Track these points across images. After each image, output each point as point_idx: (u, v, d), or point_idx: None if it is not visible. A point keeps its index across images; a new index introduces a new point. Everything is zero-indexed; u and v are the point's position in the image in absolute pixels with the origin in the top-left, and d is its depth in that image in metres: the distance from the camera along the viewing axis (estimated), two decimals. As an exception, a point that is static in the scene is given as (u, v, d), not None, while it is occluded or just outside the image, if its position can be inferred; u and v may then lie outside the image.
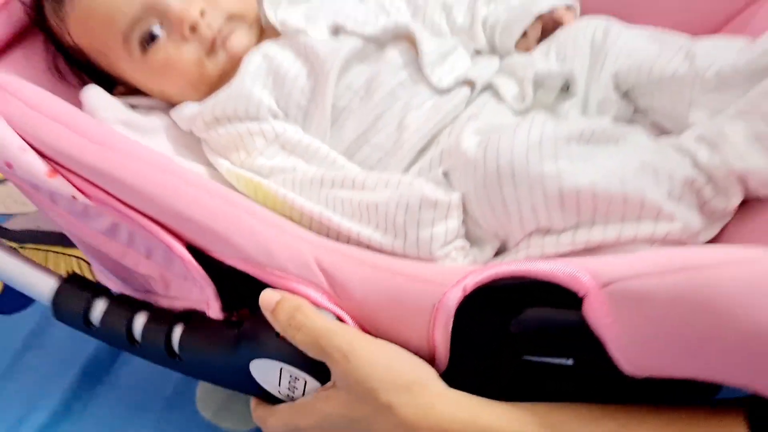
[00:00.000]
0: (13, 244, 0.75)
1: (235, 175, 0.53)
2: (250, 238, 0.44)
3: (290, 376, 0.44)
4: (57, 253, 0.73)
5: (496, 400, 0.41)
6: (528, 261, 0.41)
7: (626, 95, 0.52)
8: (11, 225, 0.76)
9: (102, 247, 0.53)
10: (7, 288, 0.71)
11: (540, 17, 0.58)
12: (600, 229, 0.42)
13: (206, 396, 0.61)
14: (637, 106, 0.53)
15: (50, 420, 0.60)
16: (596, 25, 0.55)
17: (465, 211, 0.47)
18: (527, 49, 0.59)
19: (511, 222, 0.45)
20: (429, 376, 0.41)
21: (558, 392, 0.47)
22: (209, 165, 0.56)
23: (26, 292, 0.52)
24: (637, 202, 0.41)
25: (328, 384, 0.43)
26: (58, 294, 0.50)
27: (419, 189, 0.46)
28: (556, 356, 0.41)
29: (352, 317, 0.44)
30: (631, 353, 0.35)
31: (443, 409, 0.39)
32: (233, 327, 0.46)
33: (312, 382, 0.44)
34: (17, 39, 0.62)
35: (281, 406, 0.46)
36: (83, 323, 0.49)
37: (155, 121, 0.58)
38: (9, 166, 0.46)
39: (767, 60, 0.44)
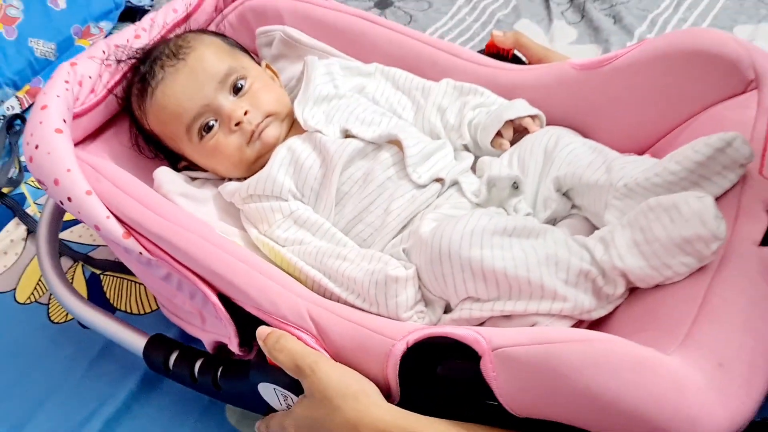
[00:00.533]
0: (97, 271, 0.94)
1: (260, 241, 0.69)
2: (261, 292, 0.60)
3: (282, 394, 0.60)
4: (130, 281, 0.92)
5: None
6: (451, 326, 0.56)
7: (566, 194, 0.66)
8: (96, 254, 0.95)
9: (160, 289, 0.70)
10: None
11: (510, 122, 0.72)
12: (512, 303, 0.56)
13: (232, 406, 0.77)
14: (574, 203, 0.66)
15: (114, 415, 0.77)
16: (551, 134, 0.69)
17: (419, 279, 0.62)
18: (501, 147, 0.72)
19: (449, 290, 0.59)
20: (372, 390, 0.55)
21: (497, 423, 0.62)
22: (243, 230, 0.73)
23: (125, 347, 0.76)
24: (537, 286, 0.54)
25: (302, 395, 0.58)
26: (147, 349, 0.73)
27: (385, 268, 0.61)
28: (473, 395, 0.54)
29: (332, 356, 0.59)
30: (510, 399, 0.48)
31: (380, 414, 0.53)
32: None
33: (295, 398, 0.59)
34: (111, 122, 0.82)
35: (276, 413, 0.61)
36: (163, 368, 0.71)
37: (206, 192, 0.75)
38: (97, 228, 0.64)
39: (657, 180, 0.57)
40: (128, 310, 0.89)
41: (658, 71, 0.66)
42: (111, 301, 0.91)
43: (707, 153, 0.55)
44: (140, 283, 0.92)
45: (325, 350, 0.59)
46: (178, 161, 0.79)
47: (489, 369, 0.48)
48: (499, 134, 0.72)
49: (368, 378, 0.57)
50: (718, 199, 0.55)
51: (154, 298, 0.89)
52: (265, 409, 0.64)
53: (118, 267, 0.94)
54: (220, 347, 0.70)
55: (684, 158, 0.56)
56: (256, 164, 0.74)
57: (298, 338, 0.59)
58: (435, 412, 0.61)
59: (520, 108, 0.72)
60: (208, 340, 0.70)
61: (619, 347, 0.46)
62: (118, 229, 0.64)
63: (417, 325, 0.58)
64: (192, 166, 0.78)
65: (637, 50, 0.69)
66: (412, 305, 0.61)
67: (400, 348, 0.54)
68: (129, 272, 0.92)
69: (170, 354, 0.71)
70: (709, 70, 0.63)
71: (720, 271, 0.52)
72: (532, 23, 1.21)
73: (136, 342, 0.74)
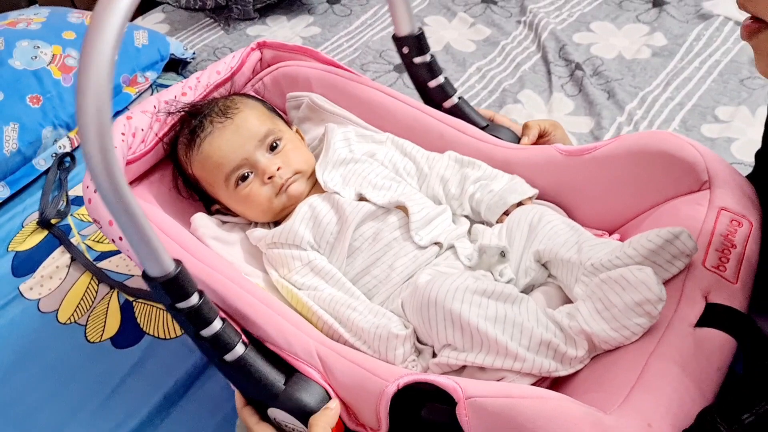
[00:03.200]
0: (130, 298, 1.05)
1: (280, 284, 0.81)
2: (278, 331, 0.71)
3: (292, 424, 0.71)
4: (158, 308, 1.03)
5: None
6: (435, 374, 0.66)
7: (544, 265, 0.77)
8: (130, 283, 1.07)
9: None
10: (121, 329, 1.01)
11: None
12: (482, 356, 0.66)
13: (241, 424, 0.88)
14: (552, 273, 0.77)
15: (136, 428, 0.87)
16: (536, 211, 0.80)
17: (414, 333, 0.73)
18: (501, 221, 0.84)
19: (433, 335, 0.69)
20: None
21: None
22: (265, 272, 0.84)
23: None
24: (502, 346, 0.65)
25: None
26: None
27: (389, 325, 0.72)
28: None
29: (335, 391, 0.70)
30: (480, 441, 0.59)
31: None
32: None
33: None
34: (155, 168, 0.94)
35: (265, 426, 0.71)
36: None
37: (234, 236, 0.87)
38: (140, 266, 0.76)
39: (617, 262, 0.68)
40: (156, 334, 1.00)
41: (628, 165, 0.78)
42: (141, 325, 1.02)
43: (658, 243, 0.66)
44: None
45: (329, 384, 0.70)
46: (211, 204, 0.91)
47: (463, 414, 0.59)
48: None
49: (364, 411, 0.68)
50: (665, 284, 0.66)
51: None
52: (255, 398, 0.72)
53: (149, 295, 1.05)
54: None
55: (639, 246, 0.67)
56: (281, 213, 0.85)
57: (307, 374, 0.70)
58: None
59: (521, 191, 0.83)
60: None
61: (567, 405, 0.56)
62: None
63: (408, 371, 0.68)
64: (224, 210, 0.90)
65: (613, 144, 0.80)
66: (407, 357, 0.72)
67: (392, 389, 0.65)
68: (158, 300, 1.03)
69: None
70: (670, 169, 0.75)
71: (659, 346, 0.62)
72: (534, 93, 1.33)
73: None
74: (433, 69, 0.93)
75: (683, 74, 1.32)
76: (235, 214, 0.90)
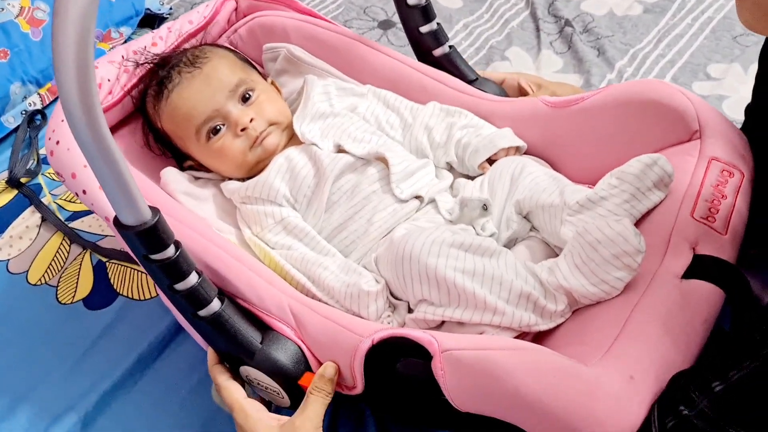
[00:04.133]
0: (103, 258, 1.02)
1: (252, 242, 0.77)
2: (250, 286, 0.68)
3: (266, 387, 0.68)
4: (133, 269, 1.00)
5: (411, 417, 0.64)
6: (410, 329, 0.64)
7: (526, 217, 0.74)
8: (103, 244, 1.03)
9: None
10: (94, 290, 0.98)
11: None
12: (460, 311, 0.64)
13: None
14: (534, 225, 0.74)
15: (109, 390, 0.85)
16: (518, 163, 0.77)
17: (388, 289, 0.70)
18: (484, 169, 0.80)
19: (408, 291, 0.67)
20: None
21: (441, 418, 0.70)
22: (238, 228, 0.81)
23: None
24: (481, 299, 0.62)
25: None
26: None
27: (359, 282, 0.69)
28: (426, 390, 0.62)
29: (308, 348, 0.67)
30: (455, 396, 0.56)
31: None
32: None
33: (280, 396, 0.68)
34: (126, 122, 0.90)
35: (238, 391, 0.68)
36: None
37: (207, 192, 0.83)
38: (107, 220, 0.72)
39: (603, 194, 0.66)
40: (129, 295, 0.97)
41: (617, 115, 0.75)
42: (114, 286, 0.99)
43: (638, 167, 0.65)
44: (142, 272, 1.00)
45: (302, 341, 0.67)
46: (183, 160, 0.87)
47: (438, 368, 0.56)
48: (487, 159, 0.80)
49: (339, 367, 0.65)
50: (650, 236, 0.63)
51: (154, 285, 0.97)
52: (229, 356, 0.69)
53: (122, 256, 1.02)
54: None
55: (621, 173, 0.66)
56: (255, 168, 0.82)
57: (280, 331, 0.67)
58: (394, 404, 0.70)
59: (511, 138, 0.80)
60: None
61: (545, 356, 0.54)
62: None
63: (383, 326, 0.66)
64: (196, 167, 0.86)
65: (601, 95, 0.77)
66: (381, 314, 0.69)
67: (366, 344, 0.62)
68: (132, 261, 1.00)
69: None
70: (660, 118, 0.72)
71: (644, 298, 0.60)
72: (522, 51, 1.29)
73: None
74: (427, 13, 0.88)
75: (675, 31, 1.28)
76: (208, 170, 0.86)
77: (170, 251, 0.58)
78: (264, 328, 0.68)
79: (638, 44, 1.26)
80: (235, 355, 0.67)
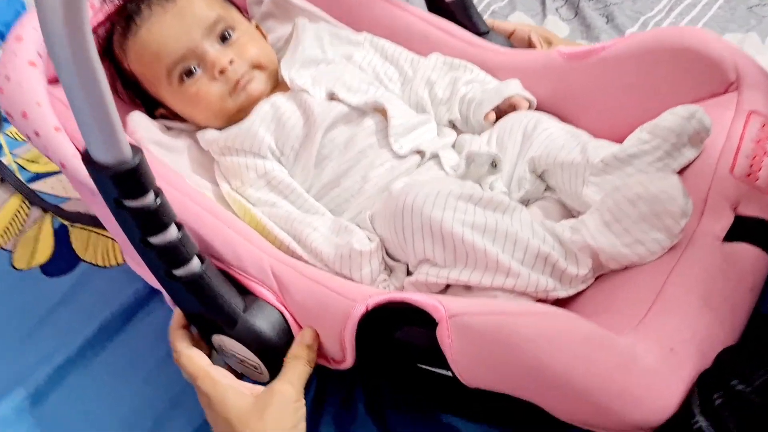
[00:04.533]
0: (66, 222, 0.93)
1: (231, 197, 0.69)
2: (226, 244, 0.60)
3: (242, 359, 0.60)
4: (98, 234, 0.91)
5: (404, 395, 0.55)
6: (411, 292, 0.56)
7: (541, 176, 0.66)
8: (67, 206, 0.94)
9: (113, 226, 0.69)
10: (54, 256, 0.89)
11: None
12: (467, 272, 0.55)
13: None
14: (549, 184, 0.66)
15: (65, 363, 0.76)
16: (531, 117, 0.69)
17: (384, 249, 0.61)
18: (490, 120, 0.72)
19: (408, 249, 0.58)
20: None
21: (447, 397, 0.62)
22: (215, 184, 0.72)
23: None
24: (492, 259, 0.54)
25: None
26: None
27: (350, 242, 0.60)
28: (427, 363, 0.54)
29: (291, 314, 0.59)
30: (463, 368, 0.48)
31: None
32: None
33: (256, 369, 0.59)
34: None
35: (201, 358, 0.59)
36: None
37: (181, 142, 0.74)
38: (63, 166, 0.63)
39: (632, 151, 0.58)
40: (93, 262, 0.88)
41: (643, 65, 0.67)
42: (77, 251, 0.89)
43: (674, 121, 0.57)
44: (109, 237, 0.91)
45: (286, 307, 0.59)
46: (155, 108, 0.78)
47: (445, 336, 0.48)
48: (492, 110, 0.72)
49: (326, 338, 0.57)
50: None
51: (121, 252, 0.88)
52: (195, 315, 0.61)
53: (88, 219, 0.92)
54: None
55: (654, 127, 0.58)
56: (236, 117, 0.72)
57: (260, 295, 0.59)
58: (390, 381, 0.61)
59: (518, 87, 0.72)
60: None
61: (572, 323, 0.46)
62: (84, 169, 0.63)
63: (378, 290, 0.57)
64: (169, 116, 0.77)
65: (624, 44, 0.69)
66: (375, 277, 0.61)
67: (360, 310, 0.54)
68: (98, 225, 0.91)
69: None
70: (692, 68, 0.64)
71: (681, 262, 0.52)
72: (526, 16, 1.21)
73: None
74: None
75: None
76: (182, 120, 0.77)
77: (149, 199, 0.48)
78: (244, 293, 0.59)
79: (649, 12, 1.18)
80: (212, 322, 0.59)
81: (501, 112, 0.73)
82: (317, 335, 0.58)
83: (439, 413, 0.69)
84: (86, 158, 0.45)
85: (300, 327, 0.59)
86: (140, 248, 0.53)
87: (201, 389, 0.57)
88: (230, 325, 0.58)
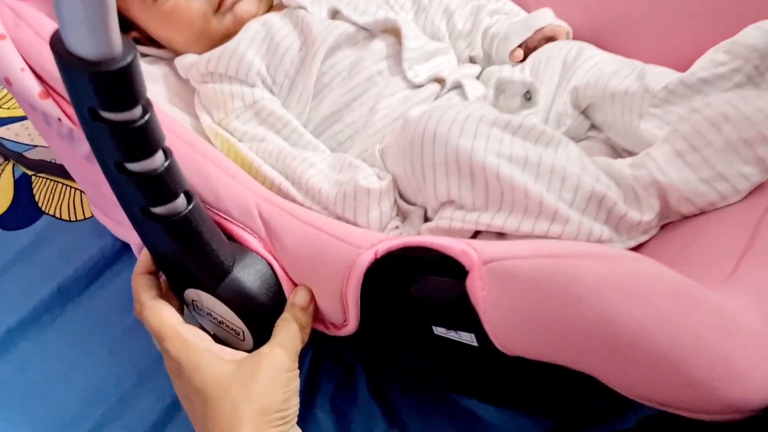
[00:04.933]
0: (29, 171, 0.82)
1: (213, 131, 0.58)
2: (204, 179, 0.48)
3: (219, 320, 0.49)
4: (64, 184, 0.80)
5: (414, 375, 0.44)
6: (431, 235, 0.44)
7: (584, 112, 0.55)
8: (30, 155, 0.83)
9: (85, 173, 0.58)
10: (13, 207, 0.78)
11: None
12: (502, 216, 0.44)
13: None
14: (594, 122, 0.55)
15: (16, 326, 0.65)
16: (572, 46, 0.58)
17: (396, 189, 0.50)
18: (515, 58, 0.61)
19: (427, 188, 0.47)
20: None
21: (467, 374, 0.51)
22: (195, 117, 0.61)
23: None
24: (535, 200, 0.43)
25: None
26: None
27: (355, 178, 0.49)
28: (449, 326, 0.43)
29: (281, 266, 0.48)
30: (500, 329, 0.37)
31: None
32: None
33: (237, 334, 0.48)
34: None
35: (170, 314, 0.47)
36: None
37: (156, 70, 0.63)
38: (8, 82, 0.52)
39: (704, 75, 0.46)
40: (57, 215, 0.77)
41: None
42: (39, 204, 0.78)
43: (760, 37, 0.45)
44: (77, 188, 0.80)
45: (274, 256, 0.48)
46: (127, 32, 0.66)
47: (478, 287, 0.37)
48: (520, 46, 0.61)
49: (324, 296, 0.46)
50: None
51: (90, 208, 0.77)
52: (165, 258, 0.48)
53: (53, 168, 0.81)
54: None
55: (732, 45, 0.46)
56: (221, 41, 0.61)
57: (243, 241, 0.48)
58: (399, 352, 0.50)
59: (550, 17, 0.61)
60: (136, 242, 0.58)
61: (653, 269, 0.35)
62: (34, 86, 0.52)
63: (388, 235, 0.46)
64: (143, 41, 0.66)
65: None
66: (386, 223, 0.50)
67: (367, 258, 0.43)
68: (65, 175, 0.80)
69: None
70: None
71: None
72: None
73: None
74: None
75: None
76: (158, 46, 0.65)
77: (136, 112, 0.36)
78: (230, 239, 0.48)
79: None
80: (189, 273, 0.48)
81: (529, 50, 0.62)
82: (312, 295, 0.47)
83: (455, 396, 0.58)
84: (58, 46, 0.33)
85: (293, 283, 0.48)
86: (115, 176, 0.41)
87: (169, 352, 0.46)
88: (215, 280, 0.46)
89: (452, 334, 0.46)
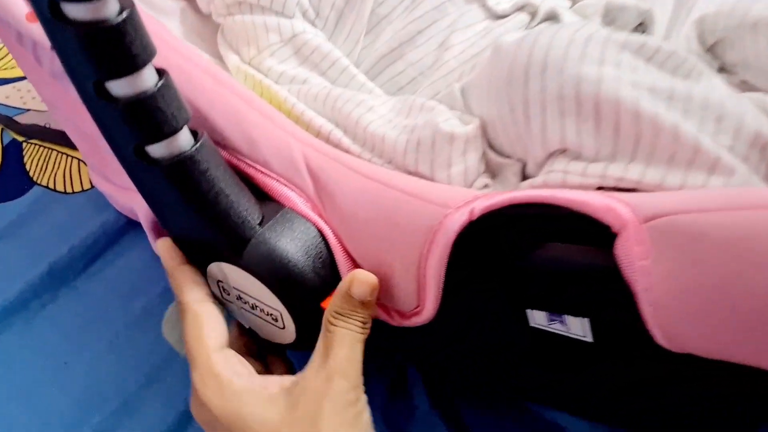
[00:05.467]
0: (19, 138, 0.71)
1: (242, 73, 0.46)
2: (233, 120, 0.37)
3: (254, 304, 0.37)
4: (59, 152, 0.69)
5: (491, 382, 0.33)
6: (551, 188, 0.33)
7: (711, 50, 0.44)
8: (22, 119, 0.72)
9: (82, 123, 0.47)
10: (1, 176, 0.67)
11: None
12: (640, 168, 0.33)
13: (175, 320, 0.54)
14: (725, 61, 0.44)
15: (2, 312, 0.54)
16: (691, -31, 0.46)
17: (484, 136, 0.39)
18: None
19: (532, 132, 0.36)
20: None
21: (573, 383, 0.40)
22: (219, 59, 0.50)
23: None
24: (688, 144, 0.32)
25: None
26: None
27: (434, 121, 0.38)
28: (572, 312, 0.32)
29: (335, 233, 0.37)
30: (667, 312, 0.26)
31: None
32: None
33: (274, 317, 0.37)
34: None
35: (211, 328, 0.37)
36: None
37: (172, 4, 0.52)
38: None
39: None
40: (52, 187, 0.66)
41: None
42: (31, 173, 0.67)
43: None
44: (74, 157, 0.69)
45: (325, 221, 0.37)
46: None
47: (635, 254, 0.26)
48: None
49: (391, 273, 0.35)
50: None
51: (89, 177, 0.66)
52: (179, 232, 0.38)
53: (48, 134, 0.71)
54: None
55: None
56: None
57: (284, 199, 0.37)
58: (473, 351, 0.39)
59: None
60: (144, 210, 0.47)
61: None
62: (20, 5, 0.41)
63: (483, 192, 0.35)
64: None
65: None
66: (472, 178, 0.38)
67: (459, 220, 0.31)
68: (63, 143, 0.69)
69: None
70: None
71: None
72: None
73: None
74: None
75: None
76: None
77: (111, 7, 0.26)
78: (261, 198, 0.37)
79: None
80: (208, 241, 0.36)
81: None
82: (376, 282, 0.35)
83: (537, 407, 0.47)
84: None
85: (348, 256, 0.37)
86: (96, 103, 0.30)
87: (197, 392, 0.35)
88: (238, 243, 0.35)
89: (556, 326, 0.35)
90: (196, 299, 0.38)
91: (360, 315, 0.35)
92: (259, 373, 0.36)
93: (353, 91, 0.43)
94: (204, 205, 0.34)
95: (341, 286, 0.35)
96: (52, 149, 0.69)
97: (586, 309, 0.32)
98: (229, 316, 0.41)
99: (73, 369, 0.53)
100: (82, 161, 0.68)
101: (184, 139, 0.32)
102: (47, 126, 0.71)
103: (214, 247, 0.36)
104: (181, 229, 0.37)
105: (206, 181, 0.33)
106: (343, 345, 0.34)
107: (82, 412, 0.51)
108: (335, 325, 0.34)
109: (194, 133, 0.34)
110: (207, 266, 0.38)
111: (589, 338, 0.34)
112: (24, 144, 0.70)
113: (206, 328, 0.36)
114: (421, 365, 0.50)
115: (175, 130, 0.31)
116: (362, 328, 0.35)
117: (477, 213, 0.31)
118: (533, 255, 0.30)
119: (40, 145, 0.70)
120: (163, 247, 0.39)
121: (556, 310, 0.33)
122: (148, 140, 0.31)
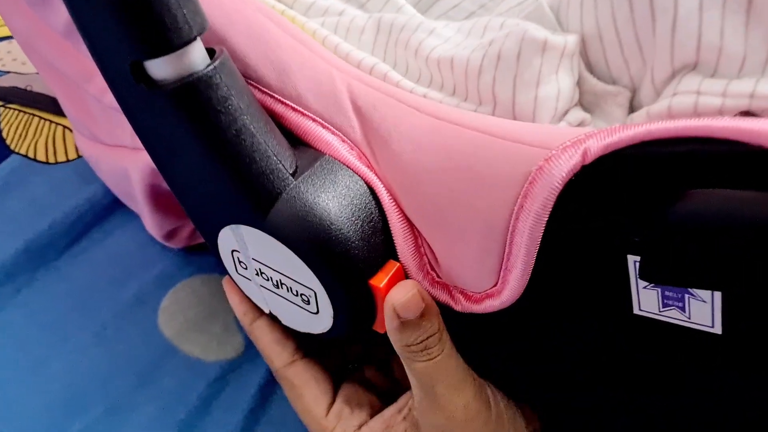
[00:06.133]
0: (-3, 103, 0.63)
1: (270, 5, 0.38)
2: (258, 41, 0.29)
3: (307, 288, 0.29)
4: (41, 118, 0.60)
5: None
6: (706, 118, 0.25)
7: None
8: (1, 82, 0.64)
9: (64, 66, 0.38)
10: (-27, 145, 0.59)
11: None
12: None
13: (174, 309, 0.45)
14: None
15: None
16: None
17: (584, 56, 0.30)
18: None
19: (657, 42, 0.27)
20: None
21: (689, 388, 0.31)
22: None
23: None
24: None
25: None
26: None
27: (519, 28, 0.30)
28: (708, 285, 0.24)
29: (389, 189, 0.28)
30: None
31: None
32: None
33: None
34: None
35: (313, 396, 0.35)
36: None
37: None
38: None
39: None
40: (32, 156, 0.57)
41: None
42: (8, 141, 0.59)
43: None
44: (58, 123, 0.60)
45: (375, 174, 0.28)
46: None
47: None
48: None
49: (462, 240, 0.27)
50: None
51: (75, 146, 0.58)
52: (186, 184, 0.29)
53: (29, 99, 0.62)
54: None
55: None
56: None
57: (323, 147, 0.28)
58: (559, 350, 0.31)
59: None
60: (139, 174, 0.38)
61: None
62: None
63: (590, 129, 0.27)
64: None
65: None
66: (564, 110, 0.30)
67: (567, 164, 0.23)
68: (47, 108, 0.61)
69: None
70: None
71: None
72: None
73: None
74: None
75: None
76: None
77: None
78: (293, 142, 0.29)
79: None
80: (222, 196, 0.28)
81: None
82: (415, 288, 0.29)
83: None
84: None
85: (406, 220, 0.28)
86: (85, 28, 0.22)
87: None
88: (263, 200, 0.27)
89: (671, 313, 0.27)
90: (285, 362, 0.35)
91: (428, 329, 0.28)
92: (374, 407, 0.35)
93: (407, 16, 0.35)
94: (222, 146, 0.25)
95: (389, 324, 0.28)
96: (34, 115, 0.61)
97: (730, 279, 0.24)
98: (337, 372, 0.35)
99: (51, 366, 0.44)
100: (68, 128, 0.60)
101: (197, 55, 0.24)
102: (29, 88, 0.63)
103: (231, 205, 0.28)
104: (188, 181, 0.29)
105: (226, 113, 0.25)
106: (438, 379, 0.29)
107: (62, 417, 0.42)
108: (415, 362, 0.29)
109: (210, 52, 0.25)
110: (218, 230, 0.30)
111: (716, 329, 0.26)
112: (2, 109, 0.61)
113: (307, 397, 0.34)
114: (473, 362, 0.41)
115: (186, 41, 0.23)
116: (440, 340, 0.29)
117: (594, 154, 0.23)
118: (677, 209, 0.22)
119: (19, 110, 0.61)
120: (234, 301, 0.35)
121: (687, 283, 0.25)
122: (149, 52, 0.23)
